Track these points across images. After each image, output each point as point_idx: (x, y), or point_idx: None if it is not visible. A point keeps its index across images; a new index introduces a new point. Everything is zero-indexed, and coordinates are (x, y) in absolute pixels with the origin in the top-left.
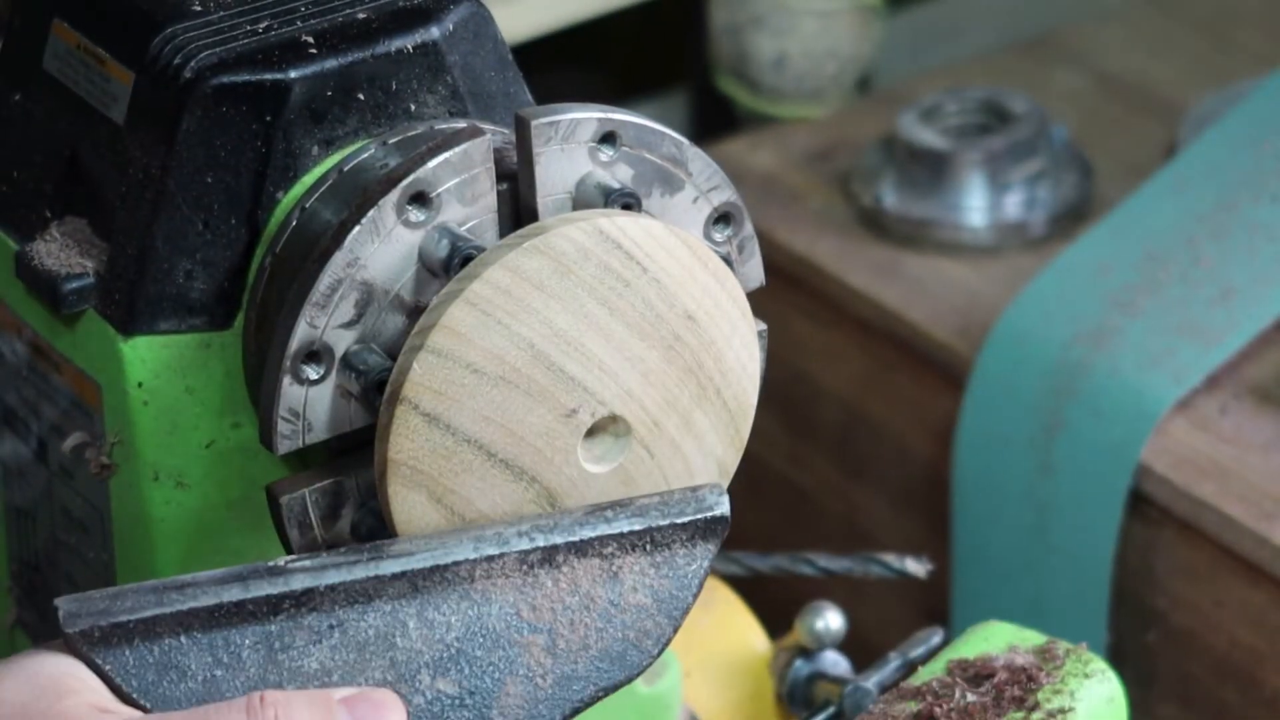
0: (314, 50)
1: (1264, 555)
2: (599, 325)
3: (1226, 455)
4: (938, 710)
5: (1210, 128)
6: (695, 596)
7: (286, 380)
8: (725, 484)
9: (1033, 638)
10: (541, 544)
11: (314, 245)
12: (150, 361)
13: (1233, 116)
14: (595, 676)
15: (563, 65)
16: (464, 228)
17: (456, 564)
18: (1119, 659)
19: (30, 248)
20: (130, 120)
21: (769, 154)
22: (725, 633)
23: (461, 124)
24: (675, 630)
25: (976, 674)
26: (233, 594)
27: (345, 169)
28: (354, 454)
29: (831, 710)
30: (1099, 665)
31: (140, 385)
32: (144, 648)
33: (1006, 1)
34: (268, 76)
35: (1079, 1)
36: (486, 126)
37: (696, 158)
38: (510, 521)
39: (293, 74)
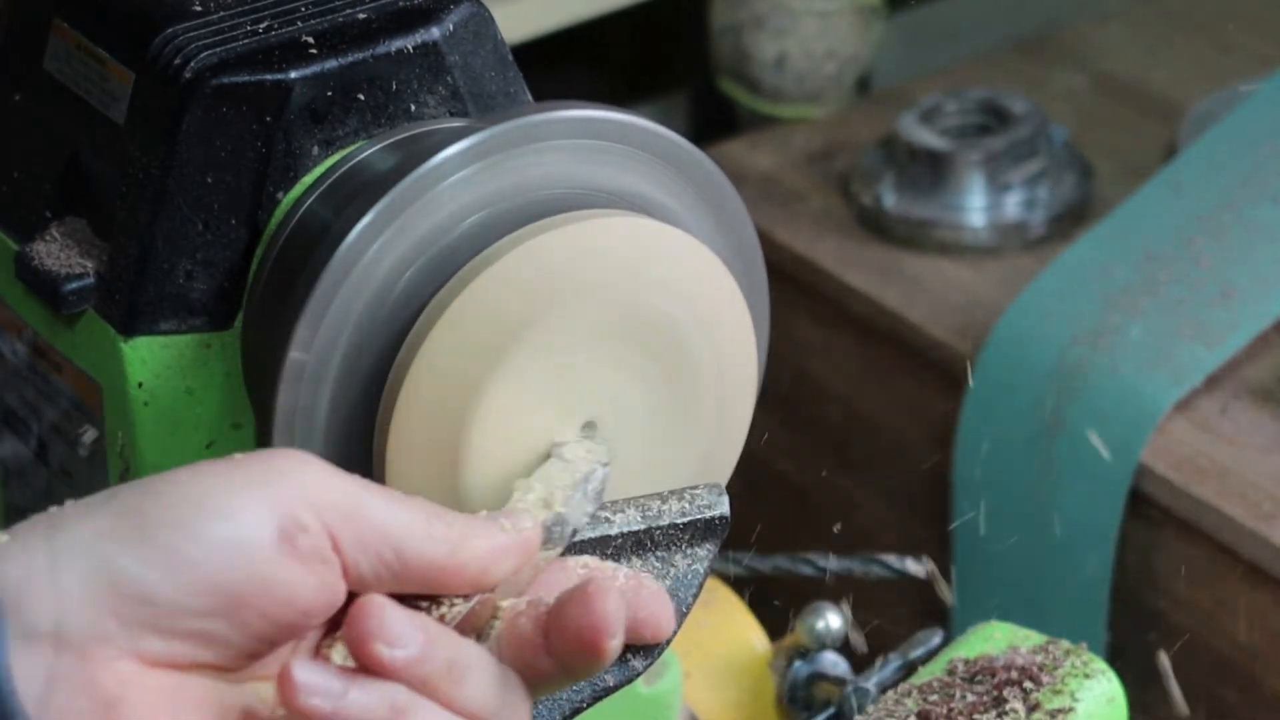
0: (314, 51)
1: (1264, 555)
2: (583, 325)
3: (1226, 455)
4: (938, 710)
5: (1210, 128)
6: (695, 597)
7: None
8: (724, 483)
9: (1033, 638)
10: None
11: (314, 245)
12: (151, 362)
13: (1232, 117)
14: (595, 677)
15: (563, 66)
16: None
17: None
18: (1119, 659)
19: (30, 248)
20: (130, 120)
21: (769, 154)
22: (725, 633)
23: (461, 123)
24: (675, 631)
25: (976, 674)
26: None
27: (345, 169)
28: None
29: (831, 711)
30: (1099, 665)
31: (141, 385)
32: None
33: (1006, 2)
34: (268, 77)
35: (1079, 2)
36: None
37: (691, 155)
38: None
39: (293, 74)
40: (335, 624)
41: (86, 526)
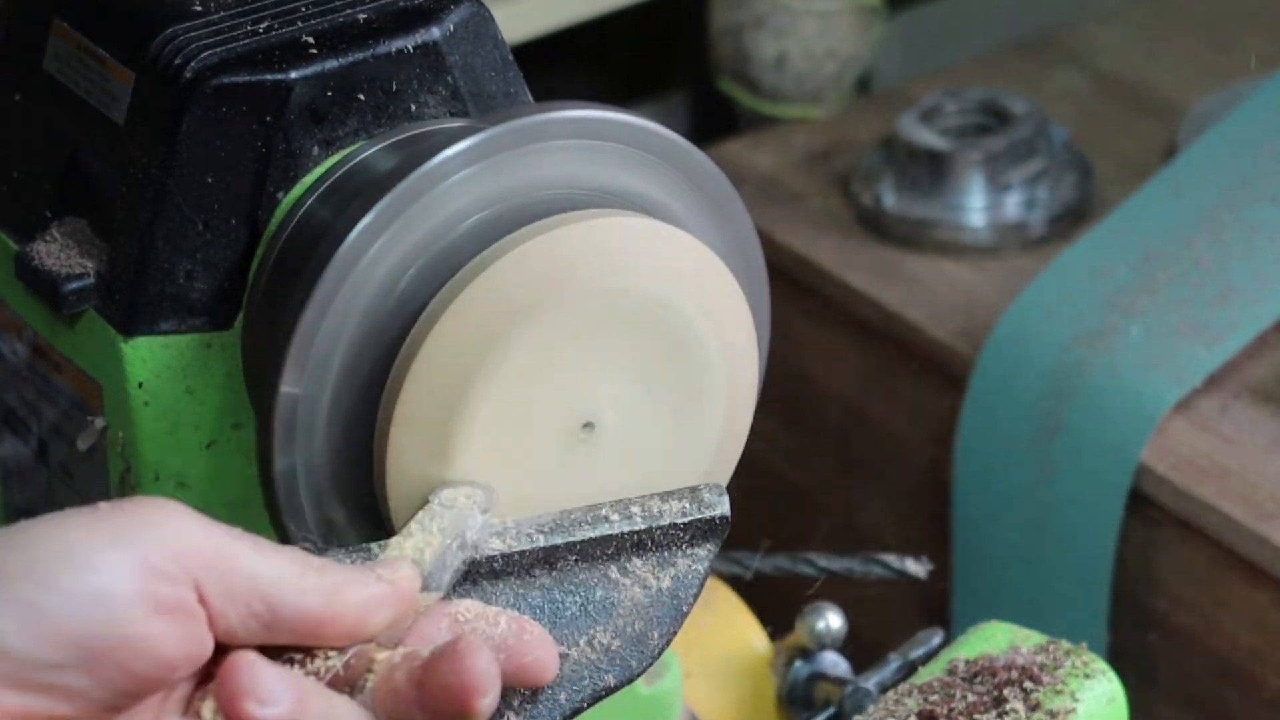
0: (314, 51)
1: (1264, 555)
2: (584, 325)
3: (1227, 455)
4: (938, 710)
5: (1210, 128)
6: (696, 597)
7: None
8: (724, 483)
9: (1033, 638)
10: (541, 544)
11: (314, 245)
12: (151, 362)
13: (1233, 117)
14: (595, 677)
15: (563, 66)
16: None
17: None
18: (1119, 659)
19: (30, 248)
20: (130, 120)
21: (769, 154)
22: (725, 633)
23: (461, 123)
24: (675, 631)
25: (977, 674)
26: None
27: (345, 169)
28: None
29: (832, 711)
30: (1099, 665)
31: (141, 385)
32: None
33: (1006, 2)
34: (268, 77)
35: (1079, 2)
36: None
37: (691, 155)
38: (510, 523)
39: (293, 74)
40: (208, 675)
41: None
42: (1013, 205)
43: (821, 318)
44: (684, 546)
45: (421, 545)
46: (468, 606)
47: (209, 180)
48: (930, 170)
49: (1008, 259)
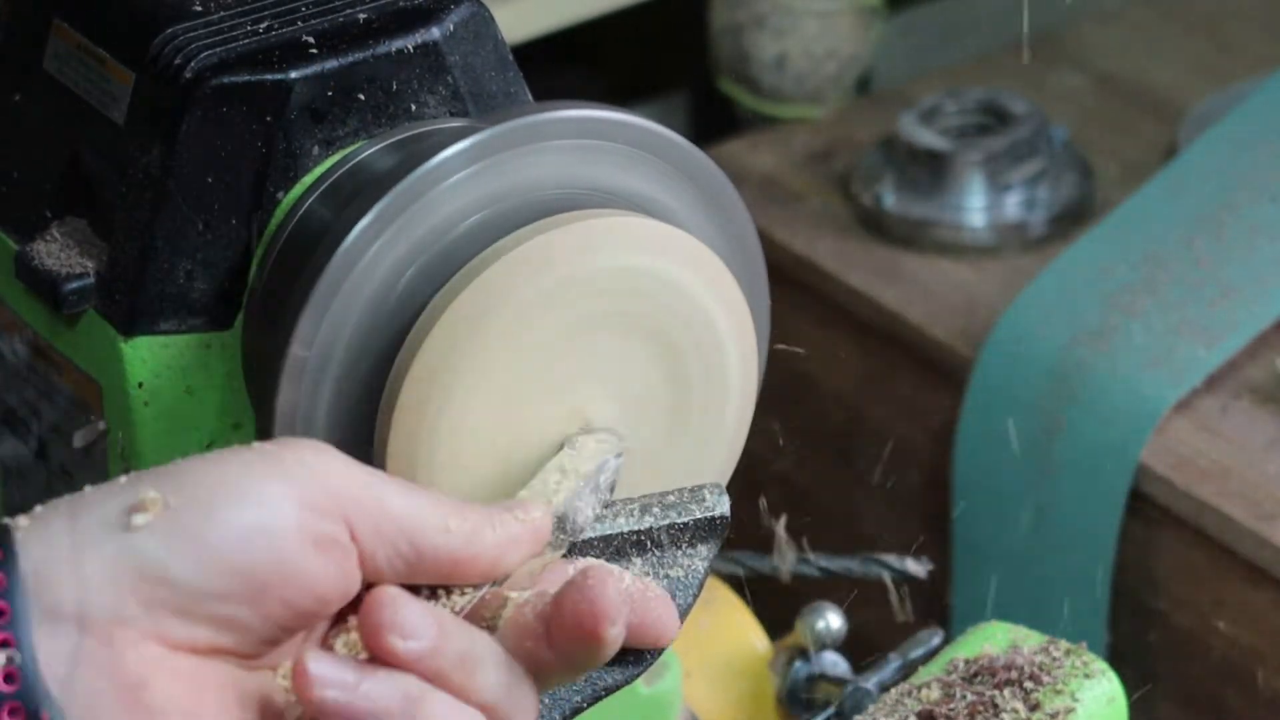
0: (315, 50)
1: (1264, 556)
2: (583, 325)
3: (1227, 455)
4: (938, 710)
5: (1210, 128)
6: (696, 597)
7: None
8: (724, 483)
9: (1033, 638)
10: None
11: (314, 245)
12: (151, 362)
13: (1233, 117)
14: (595, 677)
15: (563, 66)
16: None
17: None
18: (1119, 659)
19: (30, 248)
20: (130, 120)
21: (769, 154)
22: (725, 633)
23: (461, 123)
24: (676, 631)
25: (976, 674)
26: None
27: (345, 169)
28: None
29: (831, 711)
30: (1099, 665)
31: (141, 385)
32: None
33: (1006, 2)
34: (268, 77)
35: (1079, 2)
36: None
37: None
38: None
39: (293, 74)
40: (340, 616)
41: (109, 509)
42: (1013, 205)
43: (821, 318)
44: (684, 546)
45: (555, 487)
46: (589, 562)
47: (209, 180)
48: (930, 170)
49: (1008, 259)
